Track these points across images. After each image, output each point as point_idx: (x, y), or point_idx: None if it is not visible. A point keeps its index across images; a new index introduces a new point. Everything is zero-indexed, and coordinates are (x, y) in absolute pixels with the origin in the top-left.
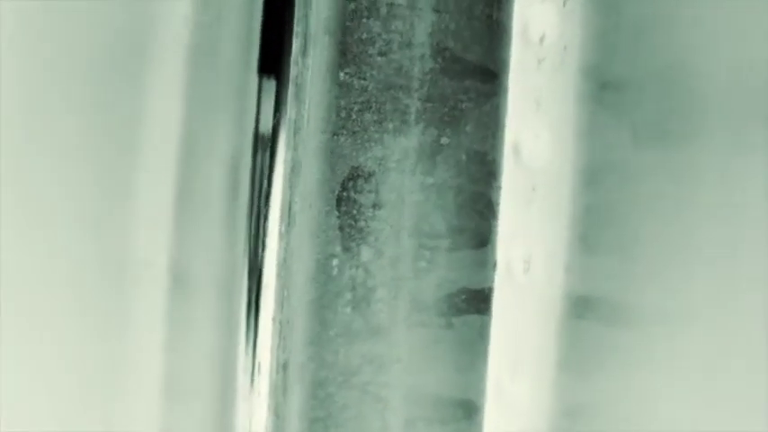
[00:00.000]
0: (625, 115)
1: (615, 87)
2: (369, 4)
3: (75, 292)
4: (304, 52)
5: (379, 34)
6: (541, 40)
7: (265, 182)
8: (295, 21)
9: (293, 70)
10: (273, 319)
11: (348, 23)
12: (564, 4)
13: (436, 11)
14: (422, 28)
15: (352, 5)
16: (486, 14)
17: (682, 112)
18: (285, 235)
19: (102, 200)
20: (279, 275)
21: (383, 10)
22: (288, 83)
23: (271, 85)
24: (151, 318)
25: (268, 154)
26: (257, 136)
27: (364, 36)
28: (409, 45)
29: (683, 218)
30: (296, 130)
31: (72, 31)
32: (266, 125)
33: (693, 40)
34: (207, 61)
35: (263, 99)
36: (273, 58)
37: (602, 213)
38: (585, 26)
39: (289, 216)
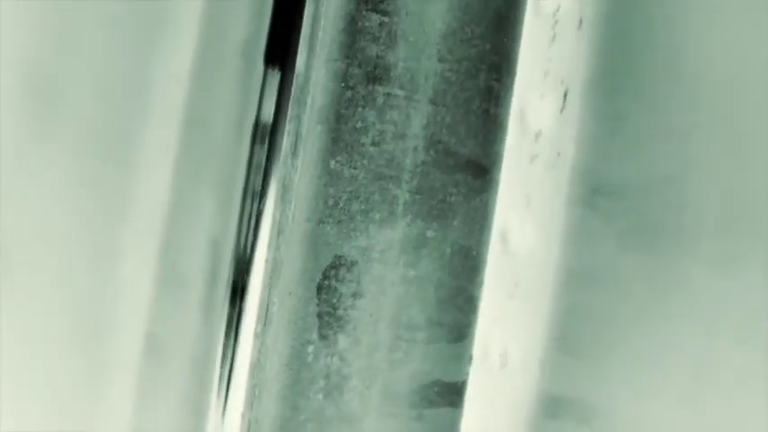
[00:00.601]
0: (613, 221)
1: (606, 193)
2: (366, 92)
3: (50, 347)
4: (294, 152)
5: (374, 124)
6: (537, 137)
7: (245, 276)
8: (287, 120)
9: (281, 170)
10: (242, 416)
11: (343, 111)
12: (562, 108)
13: (433, 103)
14: (417, 119)
15: (349, 93)
16: (483, 109)
17: (671, 224)
18: (260, 335)
19: (86, 258)
20: (251, 374)
21: (380, 100)
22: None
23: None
24: (122, 385)
25: (250, 243)
26: (240, 227)
27: (359, 125)
28: (403, 136)
29: (663, 327)
30: (279, 231)
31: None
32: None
33: (689, 155)
34: (197, 131)
35: (252, 171)
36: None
37: (582, 315)
38: (582, 130)
39: (266, 317)
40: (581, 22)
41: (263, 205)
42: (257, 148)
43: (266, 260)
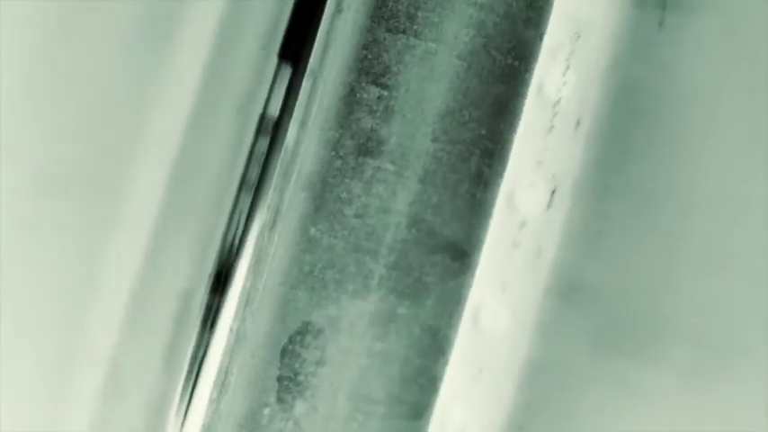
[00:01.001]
0: (587, 319)
1: (583, 291)
2: (355, 164)
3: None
4: (273, 225)
5: (359, 196)
6: (521, 225)
7: (209, 340)
8: (269, 193)
9: (258, 242)
10: None
11: (330, 180)
12: (548, 205)
13: (422, 182)
14: (403, 196)
15: (338, 163)
16: (470, 193)
17: (644, 331)
18: (215, 401)
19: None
20: None
21: (368, 172)
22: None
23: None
24: (79, 411)
25: (215, 306)
26: (215, 281)
27: (343, 195)
28: (387, 211)
29: None
30: (247, 302)
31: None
32: (225, 262)
33: (671, 264)
34: (190, 176)
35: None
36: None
37: (543, 409)
38: (566, 228)
39: (222, 384)
40: (578, 123)
41: (234, 270)
42: (243, 196)
43: (230, 329)
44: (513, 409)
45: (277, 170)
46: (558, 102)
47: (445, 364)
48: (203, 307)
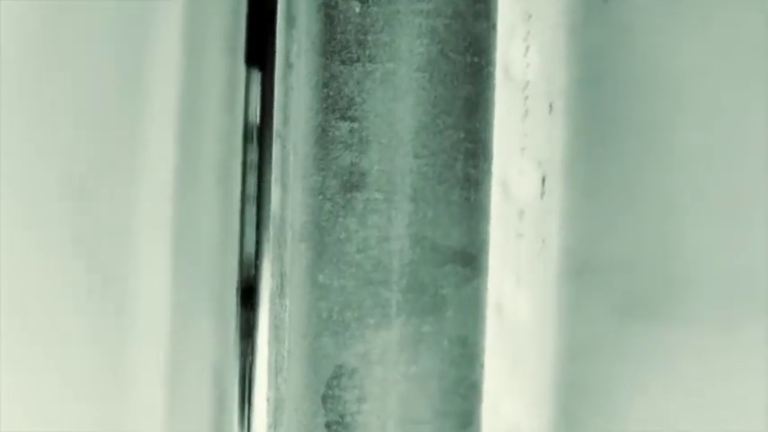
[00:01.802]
0: (606, 295)
1: (596, 267)
2: (344, 201)
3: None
4: (281, 293)
5: (357, 231)
6: (520, 215)
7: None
8: (271, 263)
9: (272, 311)
10: None
11: (324, 224)
12: (542, 194)
13: (413, 201)
14: (399, 220)
15: (328, 205)
16: (463, 198)
17: (665, 294)
18: None
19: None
20: None
21: (359, 206)
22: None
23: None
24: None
25: (248, 378)
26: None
27: (342, 235)
28: (387, 239)
29: (666, 398)
30: (277, 371)
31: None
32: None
33: (677, 223)
34: (187, 237)
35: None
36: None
37: (584, 389)
38: (564, 213)
39: None
40: (551, 105)
41: (255, 342)
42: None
43: (267, 399)
44: (555, 392)
45: (270, 239)
46: (527, 85)
47: (481, 367)
48: (239, 385)
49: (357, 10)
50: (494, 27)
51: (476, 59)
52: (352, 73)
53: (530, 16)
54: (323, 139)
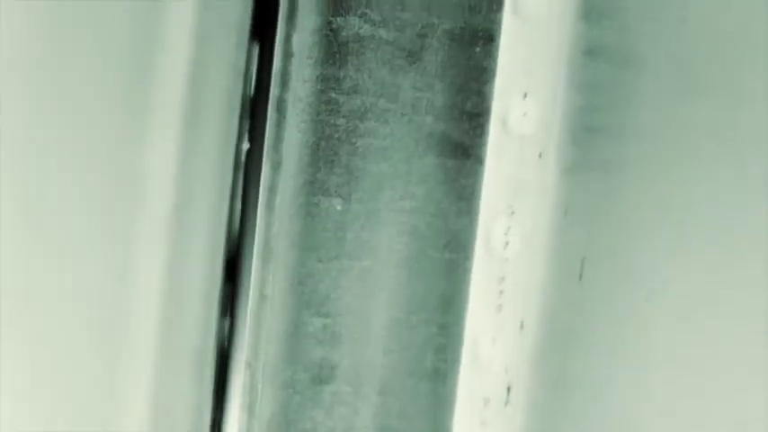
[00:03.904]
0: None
1: None
2: (313, 394)
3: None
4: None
5: (323, 422)
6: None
7: None
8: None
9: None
10: None
11: (292, 416)
12: (506, 402)
13: (381, 394)
14: (366, 411)
15: (297, 398)
16: (431, 389)
17: None
18: None
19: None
20: None
21: (327, 399)
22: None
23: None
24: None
25: None
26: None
27: (308, 426)
28: (351, 429)
29: None
30: None
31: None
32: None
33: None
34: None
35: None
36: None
37: None
38: (527, 417)
39: None
40: (522, 324)
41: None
42: None
43: None
44: None
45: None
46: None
47: None
48: None
49: (339, 208)
50: (475, 222)
51: (454, 256)
52: (329, 270)
53: (513, 212)
54: (296, 334)
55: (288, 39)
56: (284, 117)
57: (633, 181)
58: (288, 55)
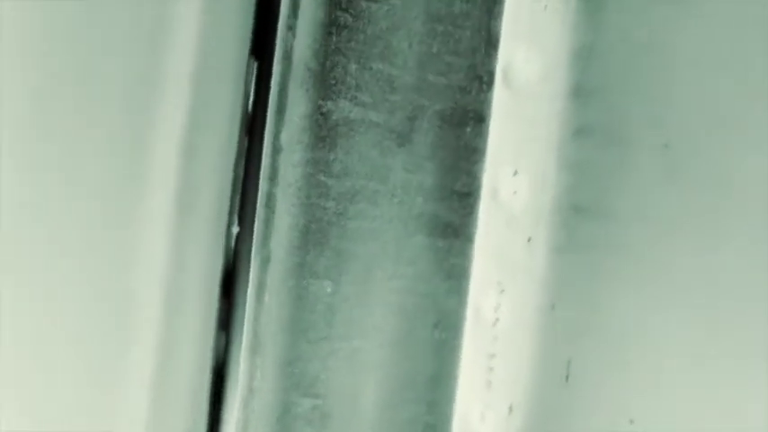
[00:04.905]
0: None
1: None
2: None
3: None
4: None
5: None
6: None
7: None
8: None
9: None
10: None
11: None
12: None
13: None
14: None
15: None
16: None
17: None
18: None
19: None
20: None
21: None
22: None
23: None
24: None
25: None
26: None
27: None
28: None
29: None
30: None
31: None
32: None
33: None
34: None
35: None
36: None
37: None
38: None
39: None
40: (511, 408)
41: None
42: None
43: None
44: None
45: None
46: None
47: None
48: None
49: (329, 290)
50: (464, 300)
51: (443, 335)
52: (319, 351)
53: (503, 290)
54: (285, 415)
55: (277, 135)
56: (273, 212)
57: (619, 263)
58: (277, 150)
